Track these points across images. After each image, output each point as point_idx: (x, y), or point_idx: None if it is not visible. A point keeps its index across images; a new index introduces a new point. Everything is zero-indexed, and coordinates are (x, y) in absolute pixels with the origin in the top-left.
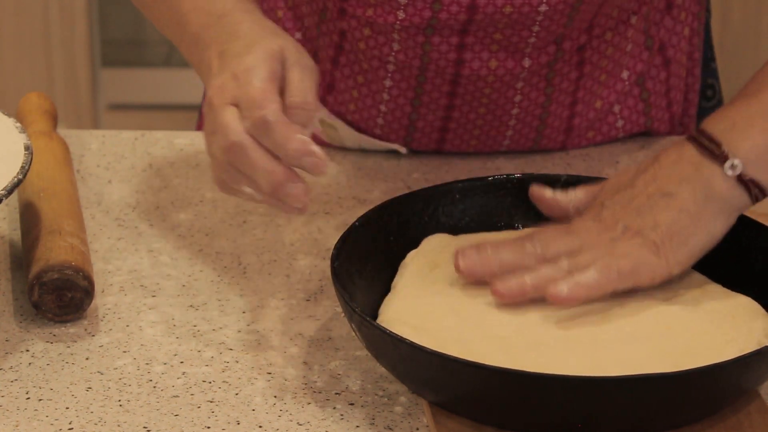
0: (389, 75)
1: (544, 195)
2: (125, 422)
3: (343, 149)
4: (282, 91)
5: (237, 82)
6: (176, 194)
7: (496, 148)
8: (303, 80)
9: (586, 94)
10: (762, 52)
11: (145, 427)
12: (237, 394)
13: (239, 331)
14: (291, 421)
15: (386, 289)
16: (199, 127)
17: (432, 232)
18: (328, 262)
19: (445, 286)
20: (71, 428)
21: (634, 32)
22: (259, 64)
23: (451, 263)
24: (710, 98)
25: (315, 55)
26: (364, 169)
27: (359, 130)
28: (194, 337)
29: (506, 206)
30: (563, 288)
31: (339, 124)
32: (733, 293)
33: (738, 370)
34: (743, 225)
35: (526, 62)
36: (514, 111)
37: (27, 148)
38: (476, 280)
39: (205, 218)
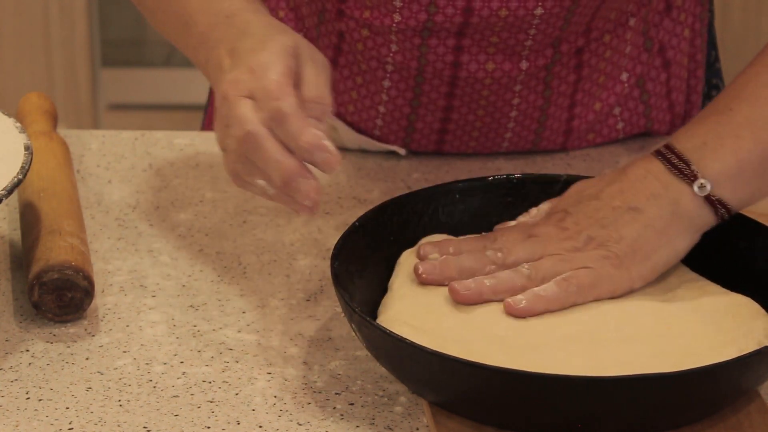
0: (388, 76)
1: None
2: (125, 422)
3: (343, 149)
4: (296, 87)
5: (253, 75)
6: (176, 194)
7: (494, 150)
8: (318, 75)
9: (584, 96)
10: None
11: (145, 427)
12: (237, 394)
13: (239, 331)
14: (291, 421)
15: (386, 290)
16: (204, 127)
17: (432, 232)
18: (328, 262)
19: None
20: (71, 428)
21: (633, 34)
22: (275, 59)
23: None
24: None
25: None
26: (364, 170)
27: (358, 130)
28: (194, 337)
29: (506, 206)
30: (521, 300)
31: (339, 124)
32: (733, 293)
33: (738, 370)
34: (743, 225)
35: (524, 65)
36: (513, 113)
37: (27, 148)
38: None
39: (205, 218)
